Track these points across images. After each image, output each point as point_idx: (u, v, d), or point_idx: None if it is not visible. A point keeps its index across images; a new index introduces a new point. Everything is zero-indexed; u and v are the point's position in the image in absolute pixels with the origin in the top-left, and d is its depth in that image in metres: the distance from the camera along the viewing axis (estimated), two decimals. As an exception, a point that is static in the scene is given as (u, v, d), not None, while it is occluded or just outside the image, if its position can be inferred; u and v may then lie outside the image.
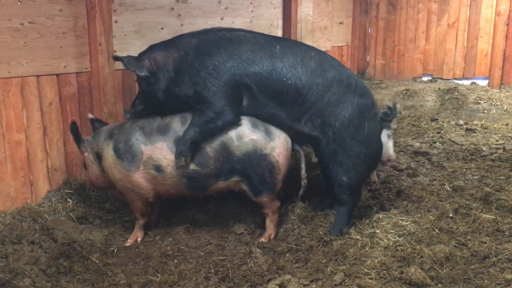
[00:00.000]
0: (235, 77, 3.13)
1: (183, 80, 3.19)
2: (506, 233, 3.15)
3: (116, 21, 4.05)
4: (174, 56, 3.21)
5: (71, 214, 3.51)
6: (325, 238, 3.20)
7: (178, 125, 3.20)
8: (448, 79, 7.91)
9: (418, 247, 2.95)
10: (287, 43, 3.35)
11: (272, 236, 3.30)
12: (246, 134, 3.17)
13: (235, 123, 3.18)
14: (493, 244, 2.99)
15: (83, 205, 3.69)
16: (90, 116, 3.55)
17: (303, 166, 3.34)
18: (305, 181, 3.36)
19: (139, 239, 3.32)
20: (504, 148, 4.94)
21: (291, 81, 3.16)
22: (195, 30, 3.40)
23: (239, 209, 3.70)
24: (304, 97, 3.18)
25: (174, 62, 3.20)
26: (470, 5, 7.67)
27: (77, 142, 3.36)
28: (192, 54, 3.19)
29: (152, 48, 3.31)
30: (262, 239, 3.27)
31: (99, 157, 3.31)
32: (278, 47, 3.23)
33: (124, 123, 3.40)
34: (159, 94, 3.22)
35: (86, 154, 3.36)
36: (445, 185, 4.03)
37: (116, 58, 3.21)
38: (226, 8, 5.26)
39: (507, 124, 5.84)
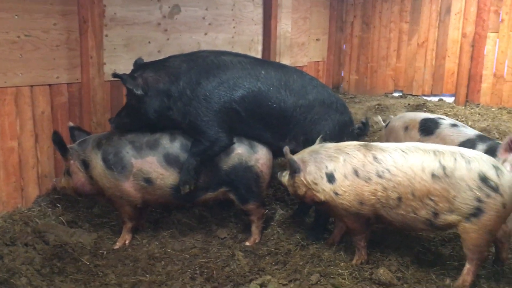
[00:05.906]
0: (225, 104, 3.29)
1: (176, 105, 3.30)
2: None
3: (106, 35, 4.25)
4: (165, 80, 3.32)
5: (61, 218, 3.67)
6: (302, 243, 3.45)
7: (167, 141, 3.37)
8: (417, 95, 8.34)
9: (386, 251, 3.25)
10: (272, 67, 3.52)
11: (257, 241, 3.51)
12: (232, 149, 3.38)
13: (231, 145, 3.35)
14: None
15: (72, 210, 3.85)
16: (71, 124, 3.60)
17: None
18: None
19: (127, 242, 3.48)
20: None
21: (276, 105, 3.37)
22: (182, 53, 3.58)
23: (222, 215, 3.92)
24: (289, 118, 3.41)
25: (164, 85, 3.31)
26: (438, 27, 8.13)
27: (61, 150, 3.41)
28: (184, 81, 3.31)
29: (142, 68, 3.39)
30: (247, 243, 3.48)
31: (85, 165, 3.40)
32: (263, 72, 3.40)
33: (111, 134, 3.49)
34: (149, 113, 3.32)
35: (72, 161, 3.42)
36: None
37: (116, 76, 3.27)
38: (209, 24, 5.50)
39: (470, 140, 6.23)
